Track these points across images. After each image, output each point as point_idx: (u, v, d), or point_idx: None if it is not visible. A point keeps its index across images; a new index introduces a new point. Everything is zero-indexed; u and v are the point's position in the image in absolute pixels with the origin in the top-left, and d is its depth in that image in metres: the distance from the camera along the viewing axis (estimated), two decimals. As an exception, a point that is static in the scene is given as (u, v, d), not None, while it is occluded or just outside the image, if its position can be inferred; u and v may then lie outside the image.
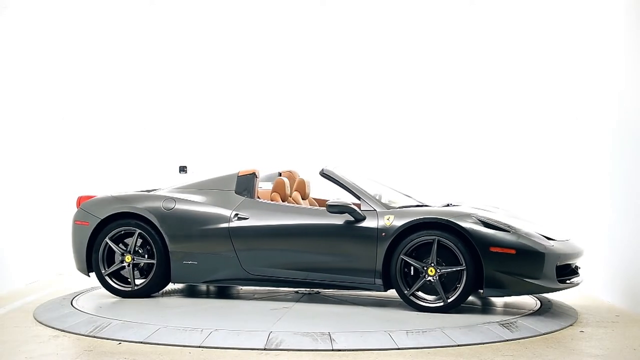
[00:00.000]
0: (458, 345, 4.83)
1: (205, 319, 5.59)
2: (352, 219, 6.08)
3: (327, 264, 6.12)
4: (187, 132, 10.31)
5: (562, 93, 8.07)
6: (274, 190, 6.84)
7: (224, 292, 7.09)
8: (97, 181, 9.98)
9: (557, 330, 5.37)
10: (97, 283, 7.43)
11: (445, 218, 5.76)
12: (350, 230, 6.07)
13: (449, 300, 5.75)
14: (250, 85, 10.32)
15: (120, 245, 6.71)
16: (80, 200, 7.01)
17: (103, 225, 6.71)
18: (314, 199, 7.44)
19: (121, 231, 6.68)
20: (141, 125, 10.28)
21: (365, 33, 10.27)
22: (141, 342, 4.90)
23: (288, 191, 6.91)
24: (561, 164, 8.02)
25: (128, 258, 6.64)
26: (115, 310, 6.00)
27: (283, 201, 6.82)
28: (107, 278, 6.71)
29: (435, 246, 5.76)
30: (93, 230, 6.70)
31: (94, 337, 5.08)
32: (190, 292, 7.10)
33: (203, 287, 7.35)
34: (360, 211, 6.07)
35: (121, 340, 4.96)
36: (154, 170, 10.10)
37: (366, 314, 5.79)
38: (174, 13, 10.30)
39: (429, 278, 5.80)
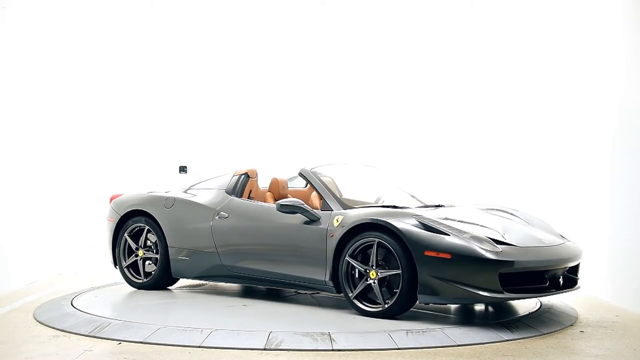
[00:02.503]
0: (458, 345, 4.83)
1: (205, 319, 5.59)
2: (307, 219, 6.05)
3: (287, 264, 6.15)
4: (187, 132, 10.32)
5: (562, 93, 8.07)
6: (268, 190, 6.93)
7: (228, 292, 7.10)
8: (97, 182, 10.01)
9: (557, 330, 5.36)
10: (97, 283, 7.61)
11: (383, 219, 5.49)
12: (305, 230, 6.03)
13: (386, 306, 5.47)
14: (250, 85, 10.33)
15: (141, 240, 7.14)
16: (112, 199, 7.53)
17: (124, 222, 7.20)
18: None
19: (136, 227, 7.15)
20: (141, 125, 10.28)
21: (365, 33, 10.27)
22: (141, 342, 4.90)
23: (284, 191, 6.95)
24: (562, 164, 8.02)
25: (140, 253, 7.10)
26: (115, 310, 6.00)
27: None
28: (125, 270, 7.16)
29: (375, 248, 5.52)
30: (116, 226, 7.23)
31: (94, 337, 5.08)
32: (207, 289, 7.12)
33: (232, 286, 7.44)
34: (312, 211, 6.01)
35: (121, 340, 4.96)
36: (154, 170, 10.10)
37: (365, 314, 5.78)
38: (174, 13, 10.30)
39: (370, 281, 5.57)
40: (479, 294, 5.13)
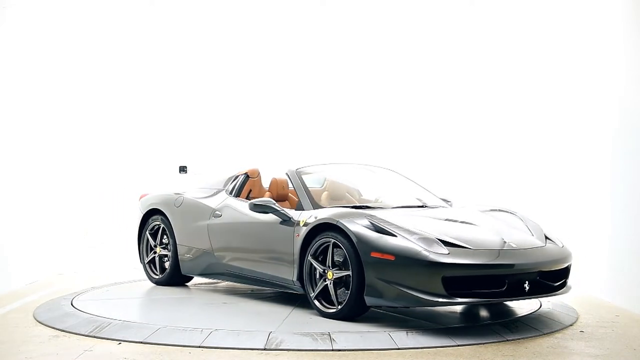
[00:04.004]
0: (458, 346, 4.83)
1: (205, 319, 5.59)
2: (279, 219, 6.08)
3: (263, 263, 6.23)
4: (187, 132, 10.32)
5: (562, 93, 8.07)
6: (268, 190, 6.96)
7: (231, 291, 7.10)
8: (97, 181, 10.00)
9: (557, 330, 5.37)
10: (97, 283, 7.62)
11: (336, 219, 5.45)
12: (277, 230, 6.07)
13: (339, 307, 5.42)
14: (250, 84, 10.32)
15: (158, 237, 7.41)
16: (141, 197, 7.80)
17: (146, 220, 7.51)
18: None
19: (155, 226, 7.41)
20: (141, 125, 10.27)
21: (365, 33, 10.27)
22: (141, 342, 4.90)
23: (284, 191, 6.95)
24: (562, 164, 8.02)
25: (158, 250, 7.38)
26: (115, 310, 6.00)
27: (277, 201, 6.82)
28: (146, 266, 7.48)
29: (331, 249, 5.50)
30: (140, 224, 7.55)
31: (94, 337, 5.08)
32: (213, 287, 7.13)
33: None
34: (282, 211, 6.04)
35: (121, 340, 4.96)
36: (154, 170, 10.10)
37: (366, 314, 5.78)
38: (174, 13, 10.30)
39: (328, 282, 5.52)
40: (421, 297, 4.99)
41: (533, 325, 5.41)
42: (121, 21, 10.17)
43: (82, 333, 5.18)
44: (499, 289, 5.16)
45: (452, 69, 10.19)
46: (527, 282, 5.27)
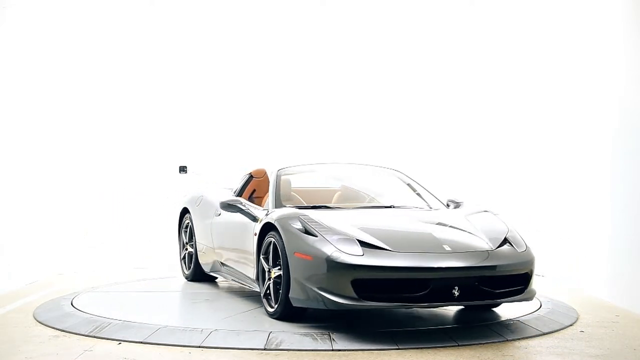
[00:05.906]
0: (458, 346, 4.83)
1: (205, 319, 5.59)
2: (248, 218, 6.11)
3: (239, 261, 6.31)
4: (187, 132, 10.32)
5: (562, 93, 8.07)
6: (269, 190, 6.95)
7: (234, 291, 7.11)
8: (97, 181, 10.00)
9: (557, 330, 5.37)
10: (97, 283, 7.63)
11: (274, 219, 5.45)
12: (245, 229, 6.12)
13: (275, 306, 5.42)
14: (251, 84, 10.32)
15: (187, 235, 7.64)
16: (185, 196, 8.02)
17: (182, 217, 7.75)
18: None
19: (187, 224, 7.61)
20: (141, 125, 10.27)
21: (365, 33, 10.27)
22: (141, 342, 4.91)
23: (285, 191, 6.93)
24: (562, 164, 8.02)
25: (188, 247, 7.59)
26: (115, 310, 6.00)
27: None
28: (181, 262, 7.73)
29: (271, 247, 5.49)
30: (178, 221, 7.80)
31: (94, 337, 5.08)
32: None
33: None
34: (247, 210, 6.13)
35: (121, 340, 4.96)
36: (154, 170, 10.10)
37: (366, 313, 5.78)
38: (174, 13, 10.30)
39: (270, 281, 5.50)
40: (332, 299, 4.91)
41: (533, 325, 5.41)
42: (121, 21, 10.17)
43: (82, 333, 5.18)
44: (418, 293, 4.95)
45: (453, 69, 10.18)
46: (456, 287, 4.99)
